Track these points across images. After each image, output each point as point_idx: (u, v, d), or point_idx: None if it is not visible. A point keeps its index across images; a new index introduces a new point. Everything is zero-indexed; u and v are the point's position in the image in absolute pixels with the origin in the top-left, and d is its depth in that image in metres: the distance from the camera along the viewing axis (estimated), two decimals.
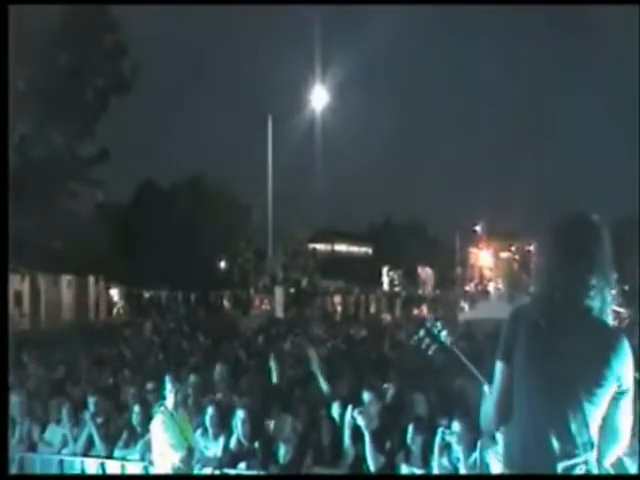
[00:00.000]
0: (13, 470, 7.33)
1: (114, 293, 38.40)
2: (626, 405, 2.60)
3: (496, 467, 4.86)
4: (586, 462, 2.57)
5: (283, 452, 6.53)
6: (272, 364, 8.64)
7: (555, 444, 2.54)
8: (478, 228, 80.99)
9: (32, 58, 22.01)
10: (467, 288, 74.68)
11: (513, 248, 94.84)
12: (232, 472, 6.59)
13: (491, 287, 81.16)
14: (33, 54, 21.94)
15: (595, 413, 2.55)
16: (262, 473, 6.45)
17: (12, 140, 21.54)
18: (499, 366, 2.71)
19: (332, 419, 6.69)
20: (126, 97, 27.96)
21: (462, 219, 74.05)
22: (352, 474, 6.22)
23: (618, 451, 2.74)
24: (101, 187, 30.71)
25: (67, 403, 7.81)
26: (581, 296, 2.59)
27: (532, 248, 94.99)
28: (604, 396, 2.54)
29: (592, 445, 2.58)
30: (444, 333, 3.03)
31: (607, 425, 2.61)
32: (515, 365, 2.64)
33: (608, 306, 2.64)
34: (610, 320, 2.65)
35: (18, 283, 28.36)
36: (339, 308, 43.87)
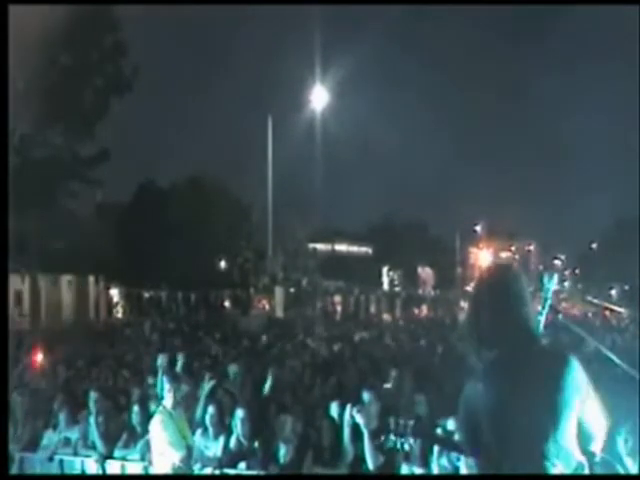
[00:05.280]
0: (13, 470, 7.33)
1: (114, 293, 38.37)
2: (591, 410, 2.73)
3: None
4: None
5: (283, 452, 6.52)
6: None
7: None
8: (478, 228, 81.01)
9: (32, 58, 22.01)
10: (467, 288, 74.65)
11: (513, 248, 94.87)
12: (232, 472, 6.58)
13: None
14: (33, 54, 21.94)
15: (567, 433, 2.66)
16: (262, 473, 6.45)
17: (12, 140, 21.55)
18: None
19: (332, 419, 6.69)
20: (126, 97, 27.98)
21: (462, 219, 74.07)
22: (352, 474, 6.22)
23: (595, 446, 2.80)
24: (101, 187, 30.75)
25: (65, 407, 7.80)
26: (515, 326, 2.77)
27: (532, 248, 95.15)
28: (569, 418, 2.65)
29: (573, 458, 2.67)
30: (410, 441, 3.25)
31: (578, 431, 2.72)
32: (485, 442, 2.72)
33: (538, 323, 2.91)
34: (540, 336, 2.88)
35: (18, 283, 28.34)
36: (339, 308, 43.89)
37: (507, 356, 2.74)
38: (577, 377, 2.69)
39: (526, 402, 2.65)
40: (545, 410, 2.64)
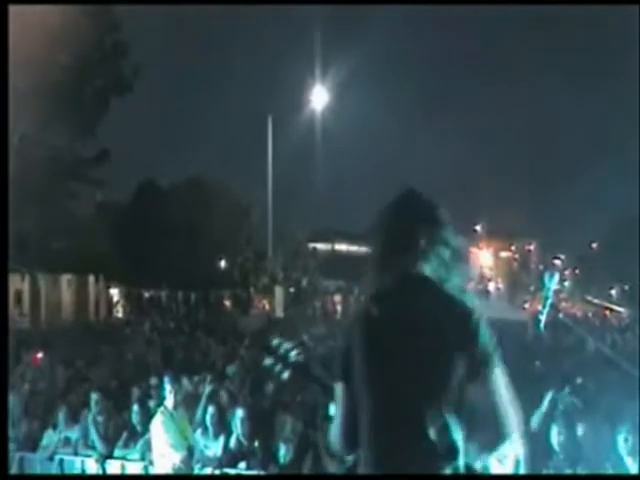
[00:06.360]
0: (13, 470, 7.33)
1: (114, 293, 38.41)
2: (492, 380, 2.24)
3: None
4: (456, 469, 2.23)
5: (283, 452, 6.52)
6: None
7: (415, 459, 2.25)
8: (478, 228, 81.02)
9: (32, 58, 22.00)
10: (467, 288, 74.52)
11: (513, 248, 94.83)
12: (232, 472, 6.58)
13: (491, 287, 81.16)
14: (33, 54, 21.93)
15: (450, 408, 2.23)
16: (262, 473, 6.45)
17: (12, 140, 21.53)
18: (338, 387, 2.50)
19: (332, 419, 6.67)
20: (126, 97, 28.00)
21: (462, 219, 74.08)
22: (352, 474, 6.20)
23: (507, 436, 2.27)
24: (101, 187, 30.76)
25: (64, 407, 7.80)
26: (413, 269, 2.38)
27: (532, 248, 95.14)
28: (453, 382, 2.21)
29: (456, 450, 2.24)
30: (294, 353, 2.71)
31: (478, 411, 2.25)
32: (356, 378, 2.39)
33: (451, 277, 2.43)
34: (461, 296, 2.38)
35: (18, 283, 28.35)
36: (339, 308, 43.85)
37: (389, 293, 2.36)
38: (469, 331, 2.23)
39: (404, 346, 2.27)
40: (422, 359, 2.24)
